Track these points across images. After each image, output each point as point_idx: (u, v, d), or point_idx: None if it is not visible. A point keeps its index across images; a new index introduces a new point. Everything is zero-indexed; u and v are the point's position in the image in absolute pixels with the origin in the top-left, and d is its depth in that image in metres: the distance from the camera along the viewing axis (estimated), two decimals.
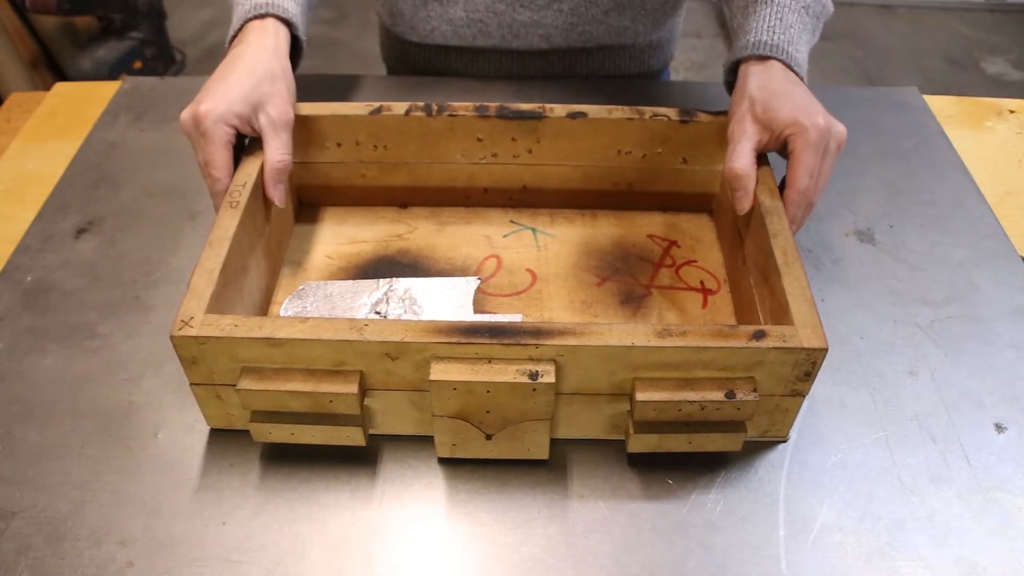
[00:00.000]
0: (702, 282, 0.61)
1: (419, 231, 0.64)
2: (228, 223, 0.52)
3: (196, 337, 0.45)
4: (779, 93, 0.56)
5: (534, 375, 0.45)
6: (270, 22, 0.61)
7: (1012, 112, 0.84)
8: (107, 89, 0.83)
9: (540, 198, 0.66)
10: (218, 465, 0.50)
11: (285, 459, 0.51)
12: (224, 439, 0.52)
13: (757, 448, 0.52)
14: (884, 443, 0.52)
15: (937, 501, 0.49)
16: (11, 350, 0.57)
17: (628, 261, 0.62)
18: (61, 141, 0.77)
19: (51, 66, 1.91)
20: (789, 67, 0.58)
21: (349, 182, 0.65)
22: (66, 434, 0.52)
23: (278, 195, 0.57)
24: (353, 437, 0.49)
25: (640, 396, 0.46)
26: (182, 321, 0.46)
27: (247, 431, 0.50)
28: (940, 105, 0.83)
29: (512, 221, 0.65)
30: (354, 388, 0.46)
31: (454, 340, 0.45)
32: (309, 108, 0.61)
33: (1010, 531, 0.48)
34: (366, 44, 2.43)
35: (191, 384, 0.48)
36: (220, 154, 0.55)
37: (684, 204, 0.66)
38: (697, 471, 0.50)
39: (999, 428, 0.53)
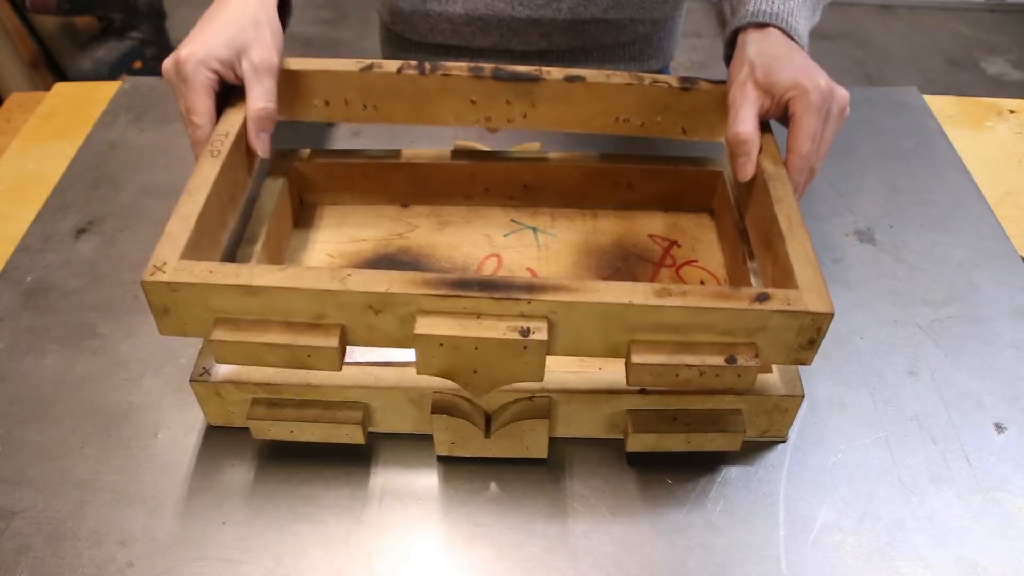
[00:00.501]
0: (702, 282, 0.61)
1: (420, 230, 0.64)
2: (208, 172, 0.50)
3: (169, 283, 0.43)
4: (779, 57, 0.55)
5: (525, 332, 0.42)
6: None
7: (1012, 112, 0.84)
8: (107, 89, 0.83)
9: (541, 197, 0.65)
10: (218, 465, 0.50)
11: (285, 459, 0.51)
12: (224, 439, 0.52)
13: (757, 448, 0.52)
14: (884, 443, 0.52)
15: (937, 501, 0.49)
16: (11, 350, 0.57)
17: (628, 261, 0.62)
18: (61, 141, 0.77)
19: (51, 66, 1.91)
20: (788, 35, 0.57)
21: (350, 180, 0.64)
22: (66, 434, 0.52)
23: (261, 145, 0.55)
24: (352, 435, 0.48)
25: (636, 359, 0.43)
26: (154, 266, 0.43)
27: (247, 429, 0.50)
28: (940, 105, 0.83)
29: (513, 220, 0.65)
30: (334, 342, 0.43)
31: (442, 293, 0.42)
32: (297, 63, 0.59)
33: (1010, 531, 0.48)
34: (366, 44, 2.43)
35: (162, 333, 0.46)
36: (201, 100, 0.53)
37: (685, 203, 0.66)
38: (697, 471, 0.50)
39: (999, 428, 0.53)
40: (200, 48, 0.53)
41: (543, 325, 0.43)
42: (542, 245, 0.63)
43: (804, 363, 0.46)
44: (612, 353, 0.45)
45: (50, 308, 0.60)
